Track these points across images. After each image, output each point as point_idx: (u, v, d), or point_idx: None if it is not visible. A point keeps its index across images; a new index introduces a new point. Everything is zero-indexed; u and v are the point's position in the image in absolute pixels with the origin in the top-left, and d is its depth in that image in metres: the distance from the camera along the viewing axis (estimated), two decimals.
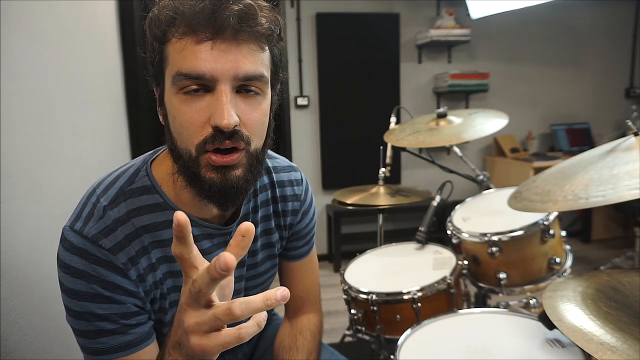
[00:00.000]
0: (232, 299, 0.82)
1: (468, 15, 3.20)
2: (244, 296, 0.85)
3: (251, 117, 0.66)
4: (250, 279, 0.87)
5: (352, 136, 3.58)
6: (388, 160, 1.76)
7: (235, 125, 0.63)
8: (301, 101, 3.54)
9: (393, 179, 3.39)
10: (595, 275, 0.89)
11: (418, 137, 1.62)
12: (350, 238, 3.63)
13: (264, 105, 0.68)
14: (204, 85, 0.63)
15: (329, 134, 3.59)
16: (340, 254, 3.46)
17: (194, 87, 0.63)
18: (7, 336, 0.91)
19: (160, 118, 0.71)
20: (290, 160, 0.96)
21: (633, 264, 3.06)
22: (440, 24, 3.55)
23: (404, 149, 1.67)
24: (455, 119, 1.67)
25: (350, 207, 1.69)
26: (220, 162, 0.64)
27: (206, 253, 0.76)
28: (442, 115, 1.68)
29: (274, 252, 0.90)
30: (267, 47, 0.67)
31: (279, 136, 3.82)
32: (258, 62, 0.65)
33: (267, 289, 0.94)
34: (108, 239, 0.67)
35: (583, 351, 0.82)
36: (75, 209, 0.72)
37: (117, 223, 0.68)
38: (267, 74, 0.67)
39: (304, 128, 3.60)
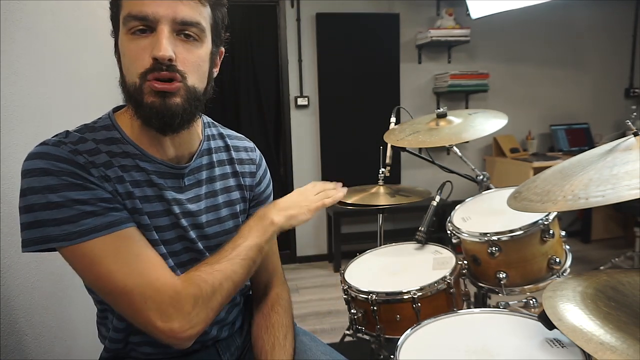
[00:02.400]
0: (193, 247, 0.88)
1: (468, 15, 3.20)
2: (206, 249, 0.90)
3: (187, 57, 0.76)
4: (214, 236, 0.92)
5: (352, 136, 3.58)
6: (388, 160, 1.75)
7: (171, 59, 0.73)
8: (301, 101, 3.54)
9: (393, 179, 3.39)
10: (595, 275, 0.89)
11: (418, 137, 1.62)
12: (350, 238, 3.63)
13: (201, 50, 0.78)
14: (149, 26, 0.73)
15: (329, 134, 3.59)
16: (340, 254, 3.46)
17: (140, 27, 0.73)
18: (7, 336, 0.91)
19: (118, 63, 0.80)
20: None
21: (633, 264, 3.06)
22: (440, 24, 3.55)
23: (404, 149, 1.67)
24: (455, 119, 1.67)
25: (350, 207, 1.69)
26: (160, 87, 0.74)
27: (161, 189, 0.83)
28: (442, 116, 1.68)
29: (235, 210, 0.96)
30: (207, 4, 0.78)
31: (279, 136, 3.81)
32: (196, 11, 0.76)
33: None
34: (67, 145, 0.75)
35: (583, 351, 0.82)
36: None
37: (78, 141, 0.77)
38: (205, 24, 0.77)
39: (304, 128, 3.60)
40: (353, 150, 3.58)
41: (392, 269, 1.46)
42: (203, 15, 0.77)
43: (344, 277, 1.42)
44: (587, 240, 3.85)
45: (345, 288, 1.38)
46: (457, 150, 1.77)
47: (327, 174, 3.61)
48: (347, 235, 3.68)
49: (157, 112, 0.75)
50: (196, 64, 0.77)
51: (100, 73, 1.65)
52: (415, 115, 2.06)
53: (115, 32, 0.79)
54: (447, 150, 3.73)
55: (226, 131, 1.00)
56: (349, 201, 1.68)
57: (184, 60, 0.75)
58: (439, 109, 1.69)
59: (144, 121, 0.77)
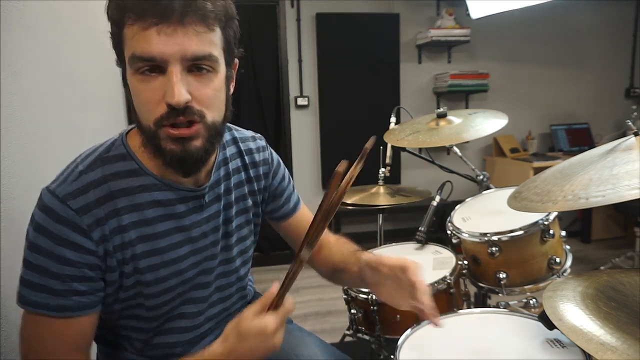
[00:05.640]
0: (211, 263, 0.88)
1: (468, 15, 3.20)
2: (223, 260, 0.90)
3: (203, 92, 0.70)
4: (228, 248, 0.91)
5: (352, 136, 3.57)
6: (388, 160, 1.76)
7: (187, 102, 0.68)
8: (301, 101, 3.54)
9: (393, 179, 3.38)
10: (595, 275, 0.89)
11: (418, 137, 1.62)
12: (350, 238, 3.62)
13: (215, 81, 0.72)
14: (157, 66, 0.67)
15: (329, 134, 3.59)
16: None
17: (148, 67, 0.68)
18: (7, 336, 0.91)
19: (128, 94, 0.76)
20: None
21: (633, 264, 3.06)
22: (440, 24, 3.55)
23: (404, 149, 1.67)
24: (455, 119, 1.67)
25: (350, 207, 1.69)
26: (177, 134, 0.70)
27: (181, 217, 0.81)
28: (442, 115, 1.68)
29: (249, 217, 0.97)
30: (216, 27, 0.70)
31: (279, 136, 3.80)
32: (206, 42, 0.69)
33: (248, 254, 0.97)
34: (77, 200, 0.72)
35: (583, 351, 0.82)
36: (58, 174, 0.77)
37: (89, 186, 0.73)
38: (216, 52, 0.71)
39: (304, 128, 3.60)
40: (353, 150, 3.55)
41: None
42: (214, 43, 0.70)
43: None
44: (587, 240, 3.85)
45: (345, 288, 1.38)
46: (457, 150, 1.77)
47: (327, 175, 3.61)
48: (347, 235, 3.65)
49: (178, 159, 0.71)
50: (213, 97, 0.72)
51: (100, 73, 1.65)
52: (415, 115, 2.06)
53: (121, 64, 0.73)
54: (447, 150, 3.73)
55: (239, 134, 0.97)
56: (349, 201, 1.69)
57: (200, 97, 0.70)
58: (439, 109, 1.69)
59: (164, 164, 0.74)
